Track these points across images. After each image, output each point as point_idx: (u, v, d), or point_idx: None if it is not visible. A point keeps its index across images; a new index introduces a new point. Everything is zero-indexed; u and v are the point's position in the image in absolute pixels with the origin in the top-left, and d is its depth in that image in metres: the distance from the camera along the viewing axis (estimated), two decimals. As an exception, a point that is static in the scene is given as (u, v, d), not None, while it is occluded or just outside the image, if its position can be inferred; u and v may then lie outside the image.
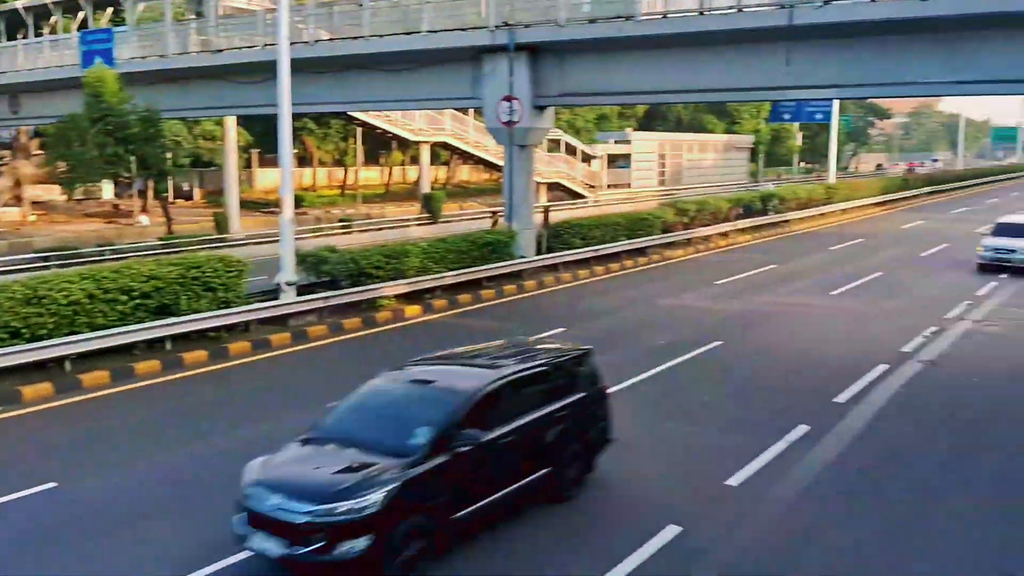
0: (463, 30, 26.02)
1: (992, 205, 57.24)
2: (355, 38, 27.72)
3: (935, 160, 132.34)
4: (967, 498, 10.68)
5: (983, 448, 12.41)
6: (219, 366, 16.80)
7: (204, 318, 17.66)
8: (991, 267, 27.79)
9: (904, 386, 15.30)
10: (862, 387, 15.11)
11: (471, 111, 47.92)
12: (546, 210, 29.02)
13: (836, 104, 60.76)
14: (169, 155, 38.89)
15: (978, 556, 9.19)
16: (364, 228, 39.86)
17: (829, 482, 11.13)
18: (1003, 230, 29.07)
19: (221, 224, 37.80)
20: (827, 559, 9.12)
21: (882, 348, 17.83)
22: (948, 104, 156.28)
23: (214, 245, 32.17)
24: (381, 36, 27.18)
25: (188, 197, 55.55)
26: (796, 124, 79.65)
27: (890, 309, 22.10)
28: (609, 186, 62.50)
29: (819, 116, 63.22)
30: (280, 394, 15.08)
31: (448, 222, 42.98)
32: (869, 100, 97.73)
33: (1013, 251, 27.69)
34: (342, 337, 19.27)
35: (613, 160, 64.98)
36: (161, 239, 33.20)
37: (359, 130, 51.91)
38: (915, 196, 60.60)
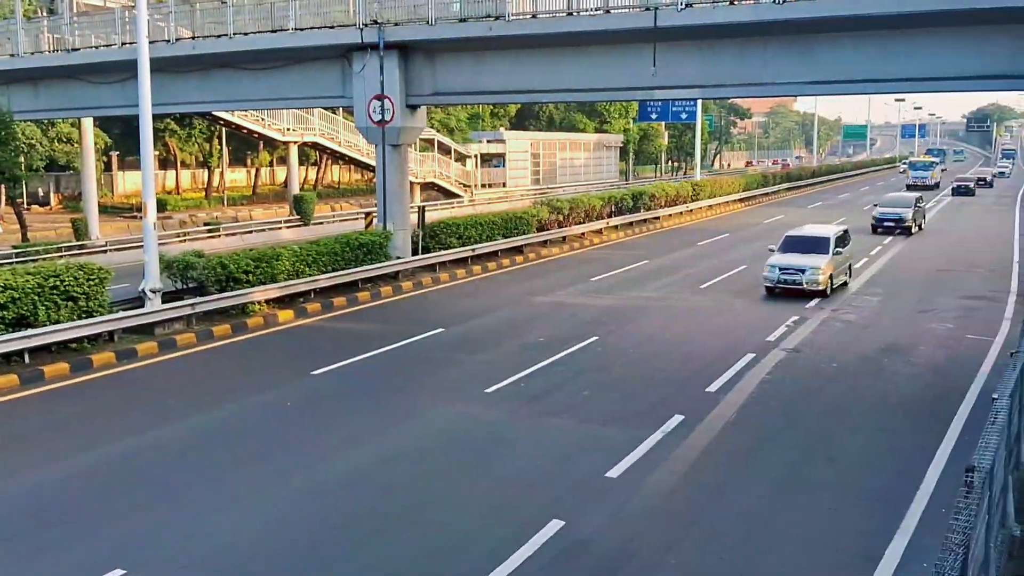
0: (331, 28, 25.63)
1: (843, 200, 60.44)
2: (218, 36, 26.87)
3: (799, 157, 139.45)
4: (832, 476, 11.22)
5: (844, 429, 13.07)
6: (82, 379, 15.98)
7: (65, 329, 16.78)
8: (782, 292, 23.17)
9: (770, 373, 15.96)
10: (732, 376, 15.68)
11: (341, 110, 47.22)
12: (421, 210, 28.87)
13: (700, 104, 62.93)
14: (22, 159, 36.71)
15: (842, 537, 9.66)
16: (232, 232, 38.73)
17: (704, 469, 11.49)
18: (793, 245, 23.99)
19: (80, 230, 35.99)
20: (703, 545, 9.40)
21: (749, 338, 18.56)
22: (803, 104, 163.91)
23: (73, 253, 30.69)
24: (246, 34, 26.46)
25: (44, 203, 52.70)
26: (663, 123, 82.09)
27: (756, 300, 23.00)
28: (484, 185, 62.77)
29: (684, 115, 65.46)
30: (146, 407, 14.46)
31: (320, 224, 42.27)
32: (730, 100, 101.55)
33: (802, 271, 22.88)
34: (212, 345, 18.67)
35: (487, 159, 65.32)
36: (16, 247, 31.35)
37: (224, 130, 50.41)
38: (775, 192, 63.35)
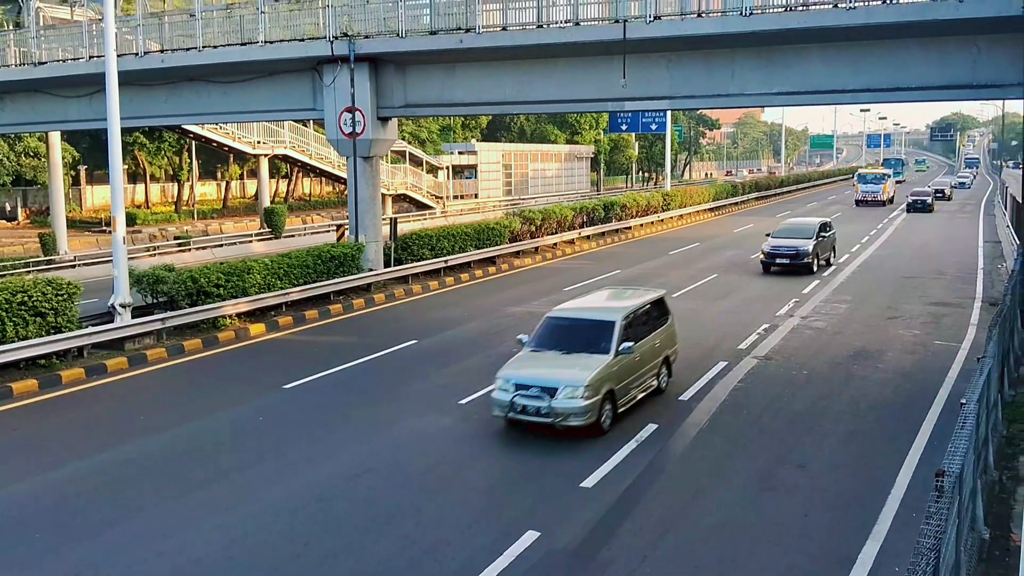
0: (301, 41, 25.60)
1: (811, 208, 61.06)
2: (188, 49, 26.74)
3: (758, 169, 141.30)
4: (804, 482, 11.32)
5: (815, 435, 13.19)
6: (51, 395, 15.78)
7: (33, 345, 16.58)
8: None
9: (742, 381, 16.08)
10: (704, 384, 15.79)
11: (311, 122, 47.09)
12: (393, 222, 28.81)
13: (669, 115, 63.45)
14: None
15: (815, 542, 9.74)
16: (202, 245, 38.44)
17: (678, 478, 11.54)
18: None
19: (48, 245, 35.56)
20: (678, 553, 9.44)
21: (721, 346, 18.70)
22: (770, 114, 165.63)
23: (41, 268, 30.36)
24: (215, 47, 26.36)
25: (11, 218, 52.05)
26: (633, 134, 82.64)
27: (726, 309, 23.17)
28: (456, 196, 62.82)
29: (654, 126, 65.96)
30: (116, 423, 14.31)
31: (292, 237, 42.08)
32: (699, 111, 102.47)
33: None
34: (183, 359, 18.51)
35: (459, 171, 65.39)
36: (-18, 263, 30.95)
37: (194, 143, 50.08)
38: (744, 201, 63.91)
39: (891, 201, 63.59)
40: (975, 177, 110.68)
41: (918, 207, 56.19)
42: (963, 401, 8.63)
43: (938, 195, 64.41)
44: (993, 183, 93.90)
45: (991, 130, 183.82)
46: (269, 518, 10.36)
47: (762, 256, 29.65)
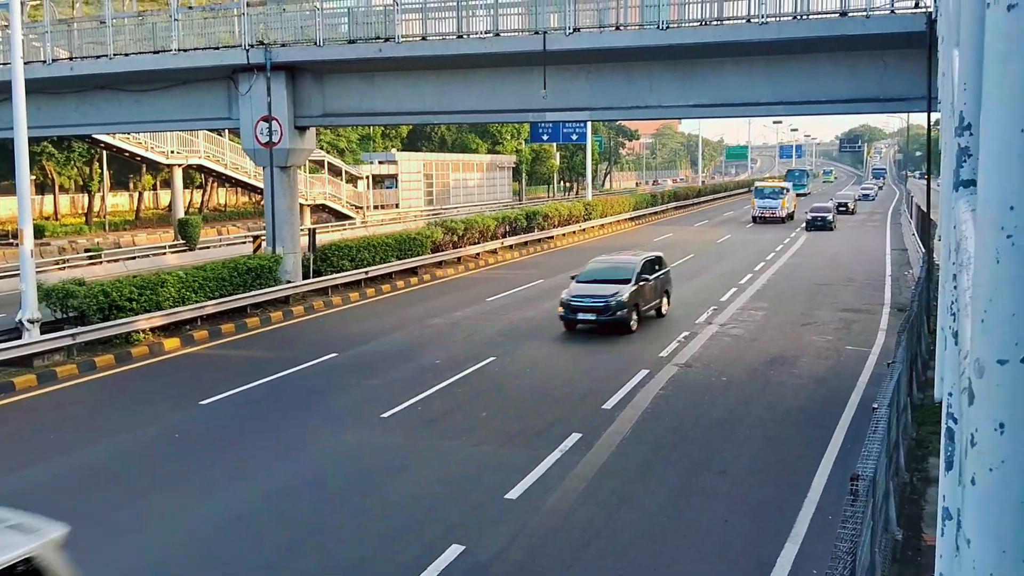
0: (216, 49, 25.11)
1: (728, 217, 62.44)
2: (98, 57, 25.99)
3: (699, 180, 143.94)
4: (724, 487, 11.50)
5: (734, 440, 13.42)
6: (-51, 417, 15.08)
7: (-71, 364, 15.82)
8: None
9: (663, 389, 16.28)
10: (627, 392, 15.93)
11: (227, 132, 46.20)
12: (312, 232, 28.41)
13: (589, 126, 64.15)
14: None
15: (735, 547, 9.89)
16: (114, 258, 37.29)
17: (602, 486, 11.60)
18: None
19: (-53, 259, 34.06)
20: (602, 562, 9.47)
21: (643, 354, 18.91)
22: (687, 125, 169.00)
23: (-60, 283, 29.00)
24: (127, 55, 25.67)
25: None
26: (555, 144, 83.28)
27: (650, 316, 23.44)
28: (376, 207, 62.30)
29: (575, 137, 66.59)
30: (24, 444, 13.73)
31: (207, 248, 41.12)
32: (619, 122, 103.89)
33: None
34: (94, 376, 17.90)
35: (379, 180, 64.88)
36: None
37: (105, 153, 48.64)
38: (664, 211, 64.98)
39: (791, 217, 56.95)
40: (881, 188, 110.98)
41: (818, 225, 49.83)
42: (875, 406, 8.88)
43: (841, 209, 61.06)
44: (899, 193, 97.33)
45: (897, 141, 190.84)
46: (186, 539, 10.06)
47: (560, 310, 21.25)
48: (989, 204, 1.45)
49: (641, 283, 21.60)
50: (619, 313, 20.68)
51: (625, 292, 20.85)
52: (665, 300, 23.42)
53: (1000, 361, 1.44)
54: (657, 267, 23.11)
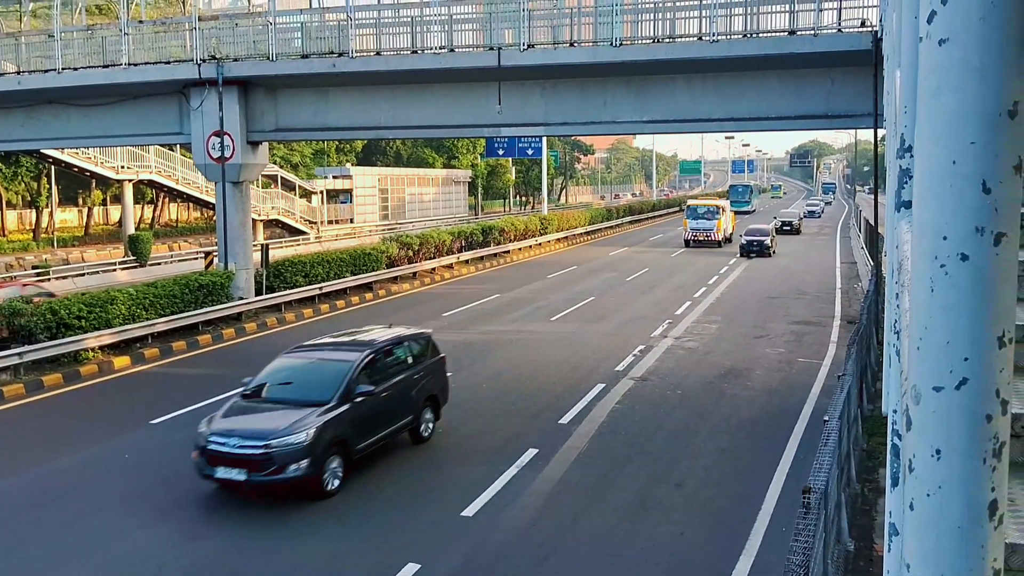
0: (167, 63, 24.82)
1: (681, 232, 63.03)
2: (46, 71, 25.54)
3: (663, 193, 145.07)
4: (680, 500, 11.56)
5: (689, 453, 13.52)
6: None
7: None
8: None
9: (619, 403, 16.35)
10: (583, 407, 15.97)
11: (178, 146, 45.62)
12: (265, 248, 28.11)
13: (545, 140, 64.47)
14: None
15: (691, 560, 9.95)
16: (62, 275, 36.55)
17: (558, 502, 11.60)
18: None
19: None
20: (560, 577, 9.48)
21: (599, 368, 18.99)
22: (642, 140, 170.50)
23: None
24: (75, 69, 25.26)
25: None
26: (510, 159, 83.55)
27: (604, 331, 23.58)
28: (331, 222, 61.87)
29: (530, 151, 66.95)
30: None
31: (158, 265, 40.46)
32: (574, 137, 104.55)
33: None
34: (42, 396, 17.50)
35: (334, 195, 64.48)
36: None
37: (53, 168, 47.73)
38: (619, 225, 65.45)
39: (729, 240, 50.06)
40: (828, 204, 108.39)
41: (753, 250, 42.96)
42: (826, 418, 9.00)
43: (785, 228, 56.24)
44: (848, 207, 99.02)
45: (845, 157, 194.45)
46: (136, 563, 9.85)
47: (195, 456, 11.86)
48: (923, 234, 1.49)
49: (359, 399, 12.23)
50: (290, 469, 11.17)
51: (310, 426, 11.41)
52: (429, 412, 14.12)
53: (936, 388, 1.47)
54: (412, 358, 14.05)
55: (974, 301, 1.43)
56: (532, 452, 13.39)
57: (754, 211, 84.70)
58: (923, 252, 1.48)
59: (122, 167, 44.57)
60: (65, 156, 40.86)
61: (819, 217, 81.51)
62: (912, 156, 2.06)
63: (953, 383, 1.46)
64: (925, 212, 1.49)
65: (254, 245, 28.10)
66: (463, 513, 11.08)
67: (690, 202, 55.80)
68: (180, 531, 10.76)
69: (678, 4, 21.54)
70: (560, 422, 15.07)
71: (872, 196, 28.96)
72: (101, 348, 20.10)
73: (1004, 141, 1.42)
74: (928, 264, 1.48)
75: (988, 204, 1.42)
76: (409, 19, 23.30)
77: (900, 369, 2.41)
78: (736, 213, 66.94)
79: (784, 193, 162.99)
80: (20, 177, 51.30)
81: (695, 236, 49.27)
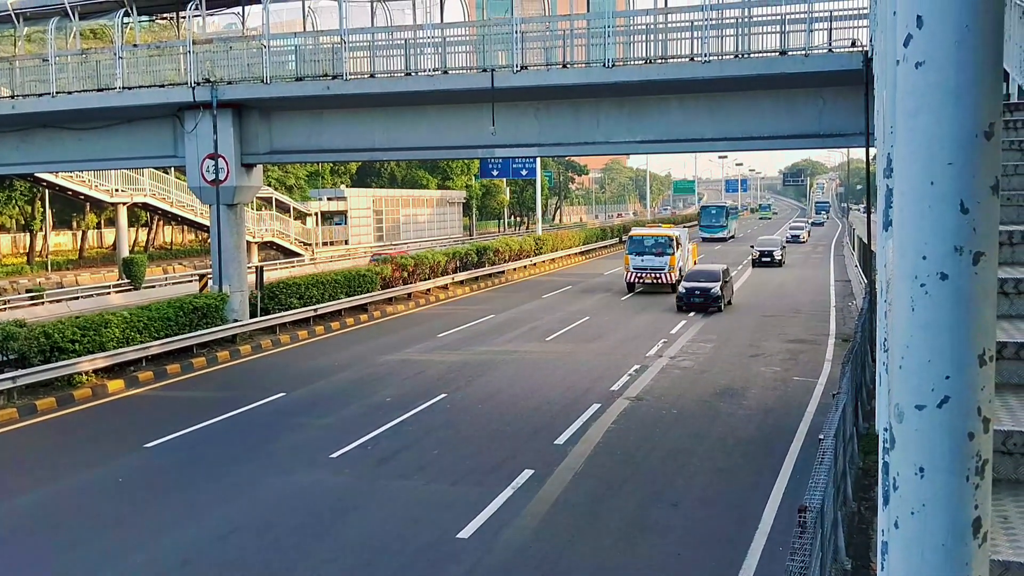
0: (161, 87, 24.91)
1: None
2: (40, 95, 25.62)
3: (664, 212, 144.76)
4: (677, 520, 11.53)
5: (686, 473, 13.49)
6: None
7: None
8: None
9: (615, 423, 16.33)
10: (579, 427, 15.94)
11: (173, 169, 45.69)
12: (259, 270, 28.11)
13: (539, 161, 64.69)
14: None
15: (689, 577, 9.92)
16: (56, 298, 36.45)
17: (555, 523, 11.56)
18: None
19: None
20: (557, 599, 9.43)
21: (594, 388, 18.97)
22: (635, 160, 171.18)
23: None
24: (70, 93, 25.34)
25: None
26: (504, 179, 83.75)
27: (599, 350, 23.58)
28: (325, 243, 61.92)
29: (524, 172, 67.07)
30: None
31: (152, 288, 40.40)
32: (568, 157, 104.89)
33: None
34: (36, 420, 17.42)
35: (328, 217, 64.57)
36: None
37: (48, 192, 47.76)
38: (613, 245, 65.56)
39: (678, 284, 34.52)
40: (819, 224, 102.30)
41: (695, 302, 30.87)
42: (821, 436, 9.00)
43: (765, 260, 47.30)
44: (842, 226, 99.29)
45: (838, 175, 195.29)
46: (128, 588, 9.78)
47: None
48: (903, 253, 1.51)
49: None
50: None
51: None
52: None
53: (918, 406, 1.49)
54: None
55: (954, 320, 1.45)
56: (528, 473, 13.35)
57: (732, 237, 73.75)
58: (903, 271, 1.50)
59: (116, 190, 44.64)
60: (59, 180, 40.91)
61: (803, 243, 69.45)
62: (896, 176, 2.09)
63: (935, 401, 1.48)
64: (905, 232, 1.51)
65: (249, 267, 28.09)
66: (459, 535, 11.03)
67: (634, 232, 39.82)
68: (175, 554, 10.69)
69: (670, 25, 21.68)
70: (556, 442, 15.03)
71: (864, 214, 29.01)
72: (95, 372, 20.02)
73: (981, 162, 1.44)
74: (908, 283, 1.50)
75: (966, 224, 1.44)
76: (403, 41, 23.43)
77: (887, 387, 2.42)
78: (708, 240, 61.41)
79: (775, 213, 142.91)
80: (14, 201, 51.28)
81: (640, 277, 37.28)
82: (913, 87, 1.47)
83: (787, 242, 61.40)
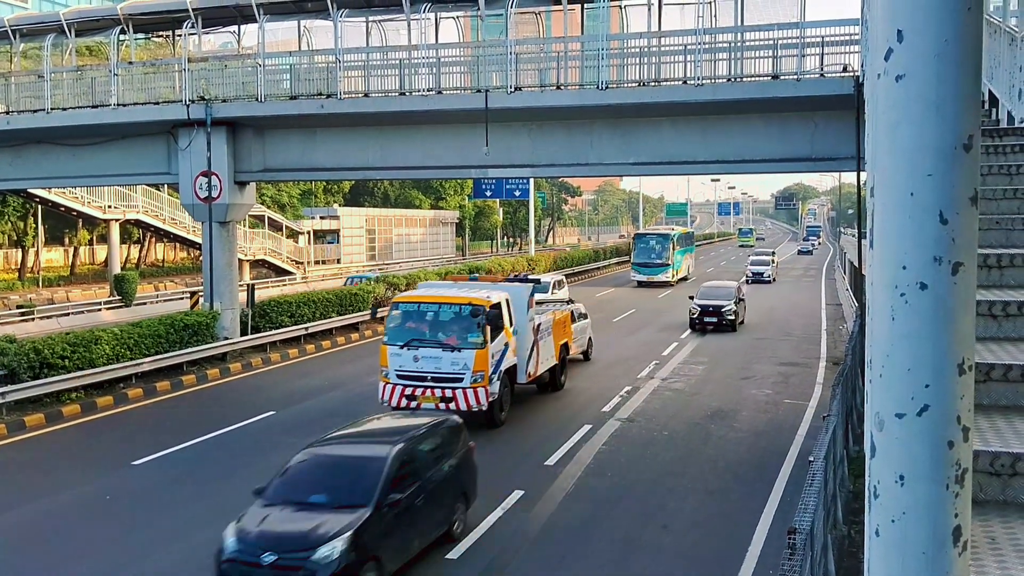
0: (156, 104, 24.97)
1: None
2: (35, 111, 25.66)
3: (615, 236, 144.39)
4: (667, 542, 11.48)
5: (676, 494, 13.45)
6: None
7: None
8: None
9: (606, 444, 16.29)
10: (569, 448, 15.91)
11: (165, 186, 45.70)
12: (251, 288, 28.05)
13: (532, 182, 64.87)
14: None
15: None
16: (47, 315, 36.32)
17: (545, 544, 11.51)
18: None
19: None
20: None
21: (585, 409, 18.94)
22: (628, 182, 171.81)
23: None
24: (64, 109, 25.38)
25: None
26: (498, 200, 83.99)
27: (590, 371, 23.55)
28: (318, 262, 61.90)
29: (518, 193, 67.26)
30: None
31: (143, 304, 40.29)
32: (561, 179, 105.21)
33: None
34: (24, 436, 17.32)
35: (321, 236, 64.58)
36: None
37: (40, 208, 47.70)
38: (606, 266, 65.67)
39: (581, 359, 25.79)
40: (814, 250, 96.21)
41: (708, 319, 30.61)
42: (811, 459, 9.00)
43: (708, 320, 31.04)
44: (833, 249, 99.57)
45: (829, 199, 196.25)
46: (113, 606, 9.69)
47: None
48: (883, 264, 1.52)
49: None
50: None
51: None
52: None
53: (898, 415, 1.50)
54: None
55: (934, 329, 1.47)
56: (518, 494, 13.31)
57: (684, 279, 52.98)
58: (884, 281, 1.52)
59: (109, 207, 44.63)
60: (52, 196, 40.87)
61: (770, 281, 53.04)
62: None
63: (915, 409, 1.49)
64: (885, 242, 1.52)
65: (240, 285, 28.05)
66: (448, 556, 10.98)
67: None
68: (160, 573, 10.60)
69: (664, 48, 21.83)
70: (546, 463, 14.99)
71: (855, 238, 29.07)
72: (84, 388, 19.93)
73: (960, 173, 1.46)
74: (889, 293, 1.51)
75: (946, 234, 1.46)
76: (397, 61, 23.54)
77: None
78: (645, 284, 47.12)
79: (757, 239, 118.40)
80: (7, 216, 51.19)
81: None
82: (894, 100, 1.49)
83: (750, 281, 50.73)
